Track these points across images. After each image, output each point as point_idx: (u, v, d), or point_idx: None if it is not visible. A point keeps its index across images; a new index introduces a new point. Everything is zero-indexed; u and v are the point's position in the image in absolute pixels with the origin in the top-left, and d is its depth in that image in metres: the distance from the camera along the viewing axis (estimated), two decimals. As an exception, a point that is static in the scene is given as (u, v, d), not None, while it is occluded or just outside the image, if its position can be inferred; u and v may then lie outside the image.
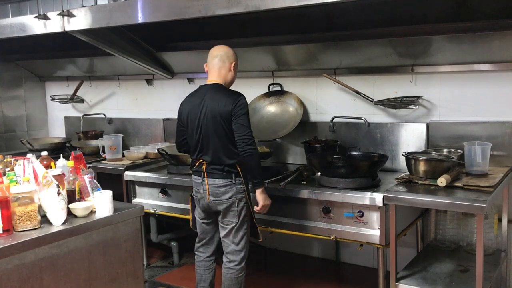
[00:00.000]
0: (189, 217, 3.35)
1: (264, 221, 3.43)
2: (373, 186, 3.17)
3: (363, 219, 3.07)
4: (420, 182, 3.04)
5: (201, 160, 3.08)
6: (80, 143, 5.08)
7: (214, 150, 3.04)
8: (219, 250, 3.31)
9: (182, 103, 3.22)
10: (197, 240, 3.36)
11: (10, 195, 2.27)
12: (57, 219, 2.39)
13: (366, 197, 3.02)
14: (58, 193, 2.39)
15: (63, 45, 4.85)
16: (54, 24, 3.78)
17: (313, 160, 3.43)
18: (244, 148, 2.96)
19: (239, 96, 3.08)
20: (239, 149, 2.98)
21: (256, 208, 3.13)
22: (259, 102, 4.23)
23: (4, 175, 2.51)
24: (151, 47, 4.48)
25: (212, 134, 3.03)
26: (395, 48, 3.49)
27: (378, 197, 2.98)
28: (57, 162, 2.81)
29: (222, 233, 3.18)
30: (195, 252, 3.38)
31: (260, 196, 3.08)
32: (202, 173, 3.07)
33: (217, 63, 3.12)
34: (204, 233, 3.30)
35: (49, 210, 2.39)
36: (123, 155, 4.43)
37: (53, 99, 5.71)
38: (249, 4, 2.88)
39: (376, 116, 3.82)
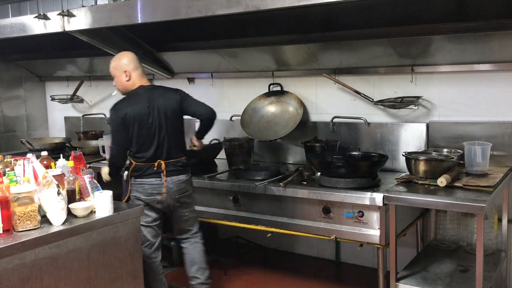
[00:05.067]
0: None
1: (264, 221, 3.44)
2: (373, 186, 3.16)
3: (363, 219, 3.07)
4: (420, 182, 3.04)
5: (159, 161, 3.18)
6: (80, 143, 5.07)
7: (171, 148, 3.23)
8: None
9: (120, 108, 3.19)
10: (147, 247, 3.29)
11: (10, 195, 2.27)
12: (57, 219, 2.39)
13: (366, 197, 3.02)
14: (58, 193, 2.39)
15: (63, 45, 4.84)
16: (54, 24, 3.79)
17: (313, 160, 3.43)
18: (208, 109, 3.37)
19: (177, 89, 3.42)
20: (203, 112, 3.36)
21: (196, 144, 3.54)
22: (259, 102, 4.23)
23: (4, 175, 2.51)
24: (151, 47, 4.48)
25: (169, 133, 3.22)
26: (395, 48, 3.49)
27: (378, 197, 2.98)
28: (57, 162, 2.81)
29: (184, 223, 3.45)
30: (149, 260, 3.27)
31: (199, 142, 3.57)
32: (162, 173, 3.17)
33: (142, 68, 3.34)
34: (155, 237, 3.34)
35: (49, 210, 2.39)
36: (123, 155, 4.42)
37: (53, 99, 5.71)
38: (249, 4, 2.88)
39: (376, 116, 3.82)
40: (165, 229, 4.41)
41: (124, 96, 3.32)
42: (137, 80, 3.26)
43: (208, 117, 3.39)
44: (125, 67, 3.24)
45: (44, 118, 6.01)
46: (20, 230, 2.29)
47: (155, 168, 3.17)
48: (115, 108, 3.22)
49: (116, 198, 2.68)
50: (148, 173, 3.18)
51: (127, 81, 3.24)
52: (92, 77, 5.43)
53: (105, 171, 3.38)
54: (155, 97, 3.22)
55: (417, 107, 3.63)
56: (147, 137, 3.17)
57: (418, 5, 3.28)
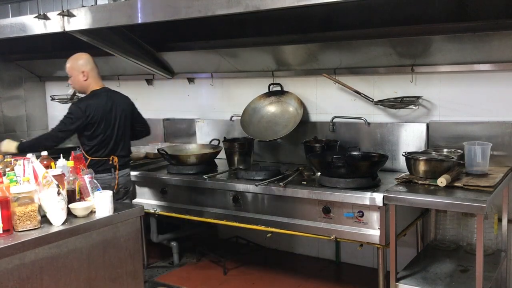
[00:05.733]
0: None
1: (264, 221, 3.44)
2: (373, 186, 3.16)
3: (363, 219, 3.07)
4: (420, 182, 3.04)
5: (113, 156, 3.45)
6: (80, 143, 5.07)
7: (123, 146, 3.61)
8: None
9: (89, 104, 3.43)
10: None
11: (10, 195, 2.27)
12: (57, 219, 2.39)
13: (366, 197, 3.02)
14: (58, 193, 2.39)
15: (63, 45, 4.84)
16: (54, 24, 3.79)
17: (313, 160, 3.43)
18: (148, 126, 3.88)
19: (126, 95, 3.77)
20: (146, 126, 3.86)
21: None
22: (259, 102, 4.23)
23: (4, 175, 2.51)
24: (151, 47, 4.48)
25: (124, 132, 3.59)
26: (395, 48, 3.49)
27: (378, 197, 2.98)
28: (57, 162, 2.81)
29: None
30: None
31: None
32: (113, 168, 3.47)
33: (97, 69, 3.57)
34: None
35: (49, 210, 2.39)
36: (123, 155, 4.42)
37: (53, 99, 5.70)
38: (249, 4, 2.88)
39: (376, 116, 3.82)
40: (165, 229, 4.44)
41: (85, 94, 3.59)
42: (93, 80, 3.54)
43: (146, 132, 3.90)
44: (83, 67, 3.50)
45: (44, 118, 6.00)
46: (20, 230, 2.29)
47: (110, 163, 3.44)
48: (82, 102, 3.47)
49: (116, 198, 2.68)
50: (102, 168, 3.42)
51: (85, 80, 3.51)
52: (92, 77, 5.42)
53: (13, 145, 3.52)
54: (116, 98, 3.58)
55: (417, 107, 3.63)
56: (109, 133, 3.49)
57: (418, 5, 3.29)
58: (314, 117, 4.12)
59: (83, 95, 3.59)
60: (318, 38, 3.74)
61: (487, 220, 3.16)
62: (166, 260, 4.45)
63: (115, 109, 3.52)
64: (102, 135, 3.44)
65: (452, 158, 3.16)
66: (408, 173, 3.22)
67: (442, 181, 2.91)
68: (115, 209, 2.61)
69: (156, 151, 4.18)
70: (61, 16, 3.71)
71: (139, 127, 3.80)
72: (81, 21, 3.65)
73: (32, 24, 3.93)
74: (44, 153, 2.92)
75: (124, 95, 3.71)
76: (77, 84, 3.56)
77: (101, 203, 2.55)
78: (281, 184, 3.27)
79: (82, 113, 3.37)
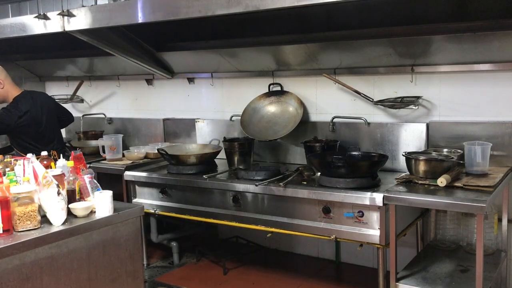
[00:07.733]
0: None
1: (264, 221, 3.44)
2: (373, 186, 3.16)
3: (363, 219, 3.07)
4: (420, 182, 3.04)
5: (52, 151, 3.60)
6: (80, 143, 5.07)
7: (58, 140, 4.00)
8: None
9: (22, 108, 3.76)
10: None
11: (10, 195, 2.27)
12: (57, 219, 2.39)
13: (366, 197, 3.02)
14: (58, 193, 2.39)
15: (63, 45, 4.85)
16: (54, 24, 3.78)
17: (313, 160, 3.43)
18: (71, 116, 4.35)
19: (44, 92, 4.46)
20: (68, 117, 4.31)
21: None
22: (259, 102, 4.23)
23: (4, 175, 2.51)
24: (151, 47, 4.48)
25: (54, 128, 3.97)
26: (395, 48, 3.49)
27: (378, 197, 2.98)
28: (57, 162, 2.81)
29: None
30: None
31: None
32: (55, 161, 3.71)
33: (10, 77, 3.87)
34: None
35: (49, 210, 2.39)
36: (123, 155, 4.42)
37: (53, 99, 5.71)
38: (249, 4, 2.88)
39: (376, 116, 3.82)
40: (165, 229, 4.44)
41: (6, 103, 3.83)
42: (10, 87, 3.80)
43: (71, 120, 4.35)
44: None
45: (44, 118, 6.00)
46: (20, 230, 2.29)
47: (53, 158, 3.51)
48: (17, 107, 3.75)
49: (116, 198, 2.68)
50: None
51: (2, 88, 3.76)
52: (92, 77, 5.43)
53: None
54: (40, 99, 3.90)
55: (417, 107, 3.63)
56: (42, 132, 3.82)
57: (418, 5, 3.29)
58: (314, 117, 4.12)
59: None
60: (318, 38, 3.74)
61: (487, 220, 3.17)
62: (166, 260, 4.45)
63: (43, 109, 3.86)
64: (35, 134, 3.76)
65: (452, 158, 3.16)
66: (408, 173, 3.23)
67: (442, 181, 2.91)
68: (115, 209, 2.60)
69: (156, 151, 4.18)
70: (61, 16, 3.71)
71: (63, 117, 4.20)
72: (81, 21, 3.65)
73: (32, 24, 3.93)
74: (44, 153, 2.92)
75: (43, 93, 4.10)
76: None
77: (101, 203, 2.55)
78: (281, 184, 3.27)
79: (20, 114, 3.69)
